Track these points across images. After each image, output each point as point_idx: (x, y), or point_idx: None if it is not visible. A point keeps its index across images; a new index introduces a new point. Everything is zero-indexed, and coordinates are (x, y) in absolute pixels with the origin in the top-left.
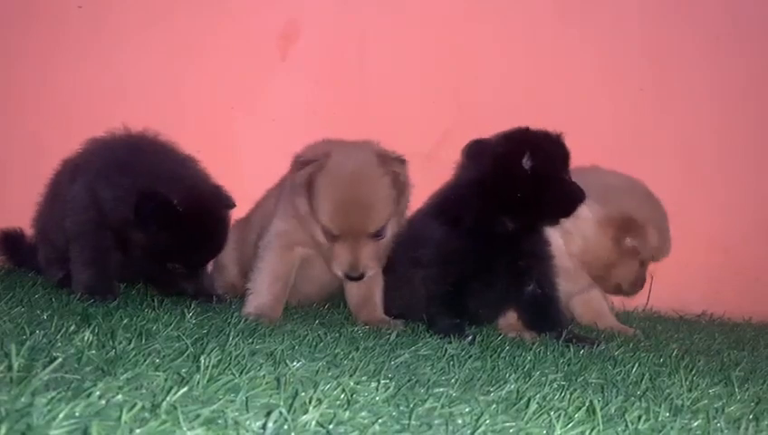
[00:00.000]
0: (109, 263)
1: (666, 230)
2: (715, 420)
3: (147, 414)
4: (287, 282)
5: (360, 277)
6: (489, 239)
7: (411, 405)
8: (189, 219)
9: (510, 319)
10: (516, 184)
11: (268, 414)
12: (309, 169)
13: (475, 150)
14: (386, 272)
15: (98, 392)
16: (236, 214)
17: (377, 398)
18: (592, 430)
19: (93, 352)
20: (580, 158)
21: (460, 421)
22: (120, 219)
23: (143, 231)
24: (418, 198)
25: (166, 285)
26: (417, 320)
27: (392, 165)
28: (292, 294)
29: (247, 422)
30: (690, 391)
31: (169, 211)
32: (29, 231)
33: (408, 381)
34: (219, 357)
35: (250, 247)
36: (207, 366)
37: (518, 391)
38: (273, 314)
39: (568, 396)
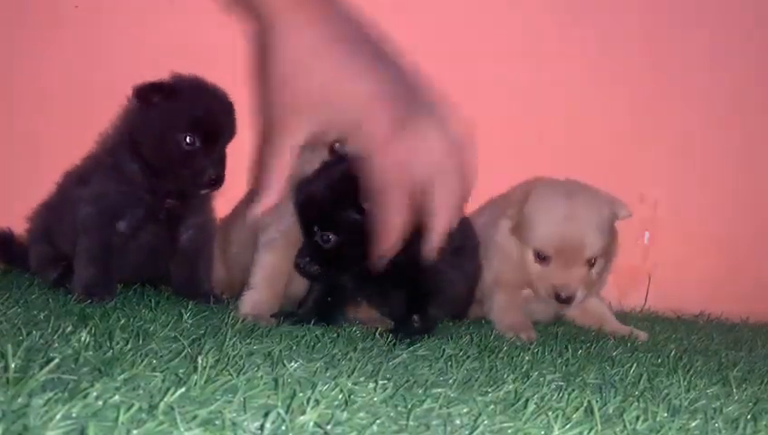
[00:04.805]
0: (112, 262)
1: None
2: (713, 421)
3: (144, 415)
4: (285, 280)
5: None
6: None
7: (409, 406)
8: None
9: None
10: None
11: (266, 415)
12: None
13: None
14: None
15: (95, 393)
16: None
17: (375, 398)
18: (590, 430)
19: (90, 352)
20: (579, 159)
21: (458, 422)
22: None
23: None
24: None
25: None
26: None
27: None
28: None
29: (245, 423)
30: (688, 391)
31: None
32: (18, 231)
33: (406, 381)
34: (217, 358)
35: (238, 246)
36: (205, 367)
37: (516, 392)
38: (270, 313)
39: (566, 396)
